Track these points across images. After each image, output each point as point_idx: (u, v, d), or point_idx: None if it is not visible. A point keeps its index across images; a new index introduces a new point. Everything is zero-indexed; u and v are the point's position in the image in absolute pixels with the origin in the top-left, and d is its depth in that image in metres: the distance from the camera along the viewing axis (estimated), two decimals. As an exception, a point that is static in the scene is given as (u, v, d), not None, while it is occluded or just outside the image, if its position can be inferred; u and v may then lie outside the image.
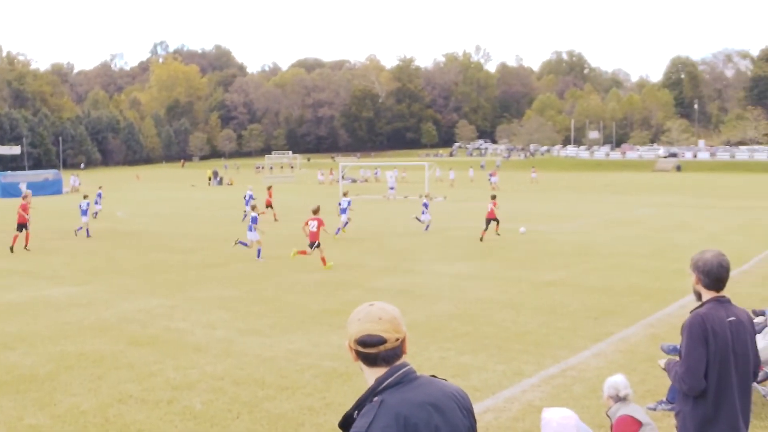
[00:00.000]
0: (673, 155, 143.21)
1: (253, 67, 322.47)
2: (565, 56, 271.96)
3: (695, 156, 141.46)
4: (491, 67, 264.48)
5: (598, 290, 20.51)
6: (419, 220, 38.08)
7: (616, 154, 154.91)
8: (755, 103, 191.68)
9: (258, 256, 28.03)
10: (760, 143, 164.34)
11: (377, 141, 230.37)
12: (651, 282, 21.85)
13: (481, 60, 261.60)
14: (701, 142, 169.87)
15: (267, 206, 46.35)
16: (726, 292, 6.08)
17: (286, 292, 20.61)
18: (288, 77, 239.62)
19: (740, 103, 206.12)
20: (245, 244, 29.21)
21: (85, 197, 39.12)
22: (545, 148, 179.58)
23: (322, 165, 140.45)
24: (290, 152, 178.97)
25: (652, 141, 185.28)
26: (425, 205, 37.71)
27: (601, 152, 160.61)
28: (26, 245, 31.88)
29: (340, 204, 37.62)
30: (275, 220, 44.66)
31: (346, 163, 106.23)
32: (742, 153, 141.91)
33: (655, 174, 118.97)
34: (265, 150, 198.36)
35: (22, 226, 32.08)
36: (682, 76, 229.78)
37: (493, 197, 35.74)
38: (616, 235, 34.80)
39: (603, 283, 21.73)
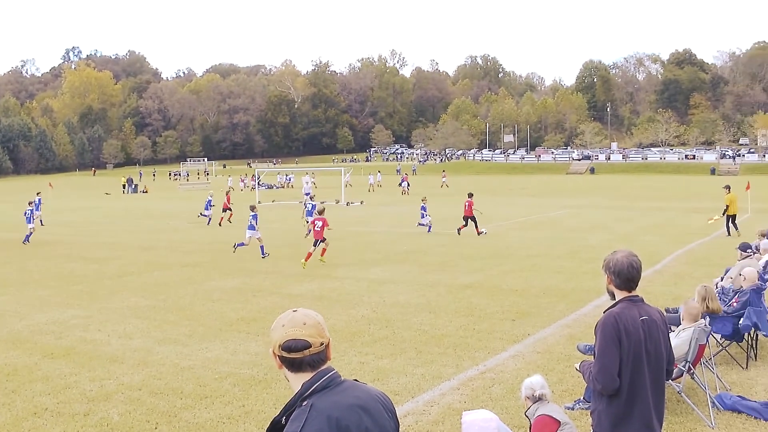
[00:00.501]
0: (587, 158, 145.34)
1: (167, 73, 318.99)
2: (479, 61, 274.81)
3: (608, 158, 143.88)
4: (407, 72, 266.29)
5: (514, 292, 20.71)
6: (421, 225, 38.49)
7: (530, 158, 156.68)
8: (666, 106, 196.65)
9: (263, 253, 29.64)
10: (671, 145, 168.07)
11: (293, 147, 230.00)
12: (566, 283, 22.14)
13: (397, 65, 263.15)
14: (614, 145, 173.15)
15: (224, 209, 47.38)
16: (639, 292, 6.19)
17: (203, 300, 20.41)
18: (203, 83, 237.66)
19: (651, 106, 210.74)
20: (243, 244, 30.62)
21: (29, 204, 39.45)
22: (461, 152, 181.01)
23: (238, 171, 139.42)
24: (206, 159, 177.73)
25: (566, 144, 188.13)
26: (423, 209, 38.37)
27: (516, 156, 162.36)
28: None
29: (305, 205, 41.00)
30: (229, 221, 46.36)
31: (262, 169, 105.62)
32: (654, 155, 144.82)
33: (570, 177, 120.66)
34: (181, 157, 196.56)
35: None
36: (595, 80, 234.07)
37: (470, 195, 37.43)
38: (532, 237, 35.21)
39: (520, 284, 21.95)
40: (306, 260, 26.66)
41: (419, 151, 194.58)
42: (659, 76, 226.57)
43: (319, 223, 27.74)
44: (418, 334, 15.86)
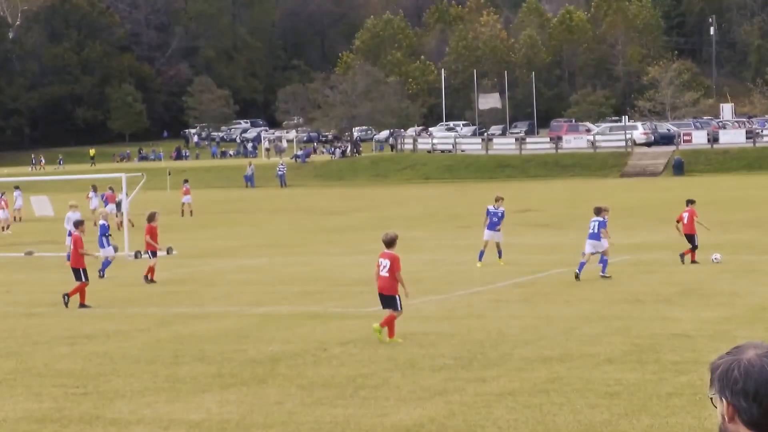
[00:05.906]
0: (667, 139, 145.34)
1: None
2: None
3: (714, 140, 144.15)
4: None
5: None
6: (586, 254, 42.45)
7: (539, 142, 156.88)
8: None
9: None
10: None
11: (9, 128, 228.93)
12: (637, 418, 22.14)
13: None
14: (726, 109, 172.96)
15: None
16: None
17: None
18: None
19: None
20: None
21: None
22: (387, 133, 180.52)
23: None
24: None
25: (618, 112, 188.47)
26: (602, 225, 42.21)
27: (509, 139, 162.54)
28: None
29: None
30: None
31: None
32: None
33: (627, 181, 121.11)
34: None
35: None
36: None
37: (691, 202, 43.63)
38: (556, 317, 35.35)
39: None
40: (382, 326, 29.13)
41: (293, 133, 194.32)
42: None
43: (385, 263, 28.90)
44: None
